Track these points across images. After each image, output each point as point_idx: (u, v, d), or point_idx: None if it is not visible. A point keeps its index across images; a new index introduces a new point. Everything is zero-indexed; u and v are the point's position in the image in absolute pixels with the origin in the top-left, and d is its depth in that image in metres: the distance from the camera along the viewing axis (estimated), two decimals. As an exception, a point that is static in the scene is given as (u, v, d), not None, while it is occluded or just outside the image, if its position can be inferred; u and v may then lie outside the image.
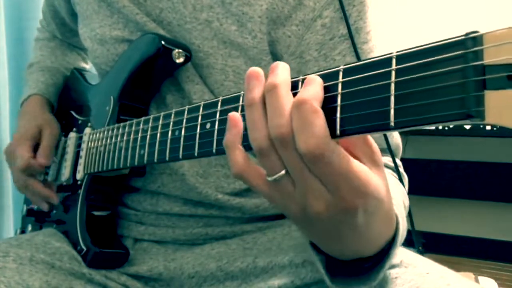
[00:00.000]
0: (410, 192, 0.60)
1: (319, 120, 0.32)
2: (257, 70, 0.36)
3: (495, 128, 1.39)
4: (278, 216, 0.69)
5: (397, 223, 0.42)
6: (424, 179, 1.79)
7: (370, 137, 0.36)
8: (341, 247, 0.40)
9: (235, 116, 0.37)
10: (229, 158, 0.37)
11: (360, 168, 0.34)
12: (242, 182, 0.65)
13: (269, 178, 0.36)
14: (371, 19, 0.61)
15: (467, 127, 1.40)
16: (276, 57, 0.63)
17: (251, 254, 0.62)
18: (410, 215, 0.59)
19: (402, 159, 0.65)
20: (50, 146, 0.77)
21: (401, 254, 0.54)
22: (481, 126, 1.38)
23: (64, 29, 0.91)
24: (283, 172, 0.35)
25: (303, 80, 0.35)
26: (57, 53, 0.93)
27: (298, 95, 0.32)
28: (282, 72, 0.35)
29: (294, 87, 0.35)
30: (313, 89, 0.33)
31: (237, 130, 0.37)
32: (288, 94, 0.34)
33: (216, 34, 0.62)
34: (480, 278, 1.43)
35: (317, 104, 0.32)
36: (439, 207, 1.79)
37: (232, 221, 0.68)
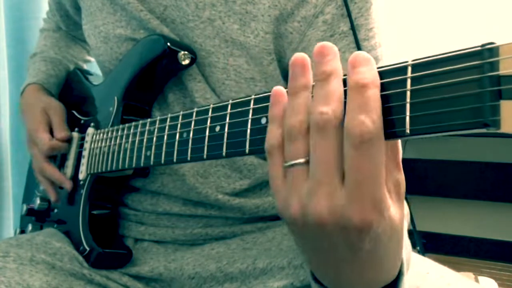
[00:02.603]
0: (410, 192, 0.60)
1: (380, 110, 0.30)
2: (302, 56, 0.34)
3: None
4: (278, 216, 0.69)
5: (401, 270, 0.37)
6: (424, 179, 1.79)
7: (400, 164, 0.34)
8: (335, 277, 0.36)
9: (279, 90, 0.35)
10: (268, 130, 0.35)
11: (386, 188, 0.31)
12: (242, 183, 0.66)
13: (286, 164, 0.34)
14: (375, 17, 0.60)
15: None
16: (279, 54, 0.63)
17: (251, 255, 0.62)
18: (410, 215, 0.59)
19: (402, 159, 0.65)
20: (62, 120, 0.77)
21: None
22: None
23: (69, 21, 0.91)
24: (302, 159, 0.33)
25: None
26: (61, 44, 0.93)
27: (359, 76, 0.30)
28: (334, 61, 0.33)
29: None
30: (373, 72, 0.31)
31: (281, 105, 0.35)
32: (340, 84, 0.32)
33: (218, 32, 0.62)
34: (480, 278, 1.43)
35: (378, 92, 0.30)
36: (439, 207, 1.79)
37: (232, 221, 0.68)
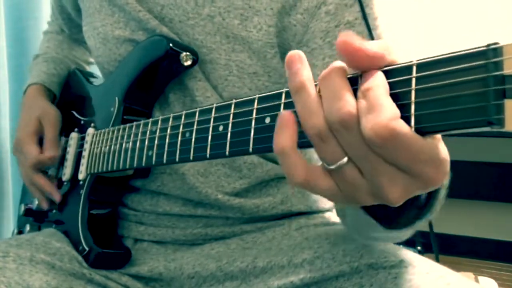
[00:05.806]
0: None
1: (388, 101, 0.30)
2: (297, 52, 0.34)
3: (495, 128, 1.39)
4: (278, 216, 0.69)
5: None
6: (424, 179, 1.78)
7: None
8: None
9: (287, 114, 0.33)
10: (286, 165, 0.33)
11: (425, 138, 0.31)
12: (242, 182, 0.66)
13: (331, 166, 0.32)
14: (377, 7, 0.61)
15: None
16: (284, 47, 0.63)
17: (251, 254, 0.62)
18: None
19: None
20: (54, 137, 0.77)
21: (401, 254, 0.54)
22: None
23: (71, 24, 0.91)
24: (345, 159, 0.32)
25: (361, 75, 0.33)
26: (64, 46, 0.93)
27: (365, 84, 0.31)
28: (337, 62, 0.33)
29: (353, 81, 0.33)
30: (379, 78, 0.31)
31: (293, 131, 0.33)
32: (344, 77, 0.32)
33: (219, 29, 0.62)
34: (480, 278, 1.43)
35: (383, 90, 0.30)
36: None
37: (232, 221, 0.68)
